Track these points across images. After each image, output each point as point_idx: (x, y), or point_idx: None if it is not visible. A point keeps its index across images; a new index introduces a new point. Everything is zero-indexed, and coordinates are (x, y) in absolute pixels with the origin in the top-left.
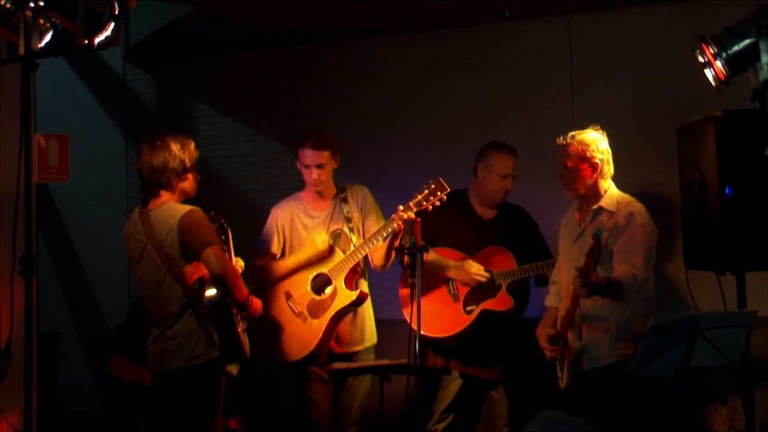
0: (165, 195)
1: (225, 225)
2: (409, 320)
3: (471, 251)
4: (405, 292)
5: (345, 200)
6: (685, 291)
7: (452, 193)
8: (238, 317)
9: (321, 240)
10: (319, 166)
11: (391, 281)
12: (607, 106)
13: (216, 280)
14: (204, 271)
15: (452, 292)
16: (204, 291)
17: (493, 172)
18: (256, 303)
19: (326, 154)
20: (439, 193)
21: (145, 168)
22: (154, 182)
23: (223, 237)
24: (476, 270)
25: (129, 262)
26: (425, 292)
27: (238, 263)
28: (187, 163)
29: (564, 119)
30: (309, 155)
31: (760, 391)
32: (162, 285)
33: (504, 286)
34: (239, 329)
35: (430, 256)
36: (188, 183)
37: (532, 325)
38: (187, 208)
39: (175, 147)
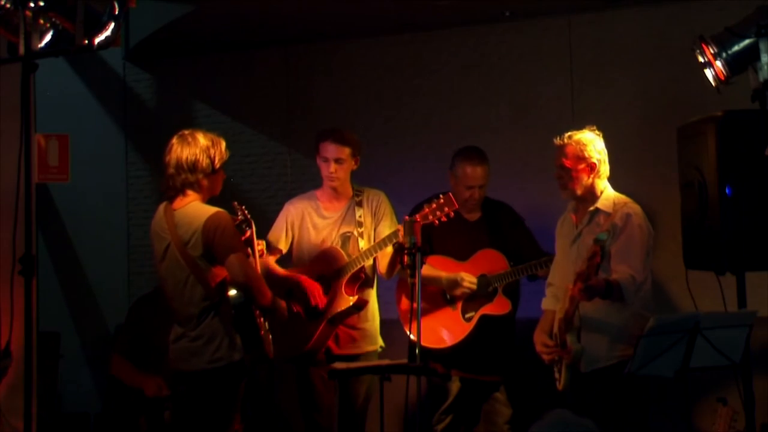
0: (191, 195)
1: (248, 216)
2: (408, 331)
3: (462, 256)
4: (404, 306)
5: (360, 204)
6: (685, 291)
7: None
8: (261, 318)
9: None
10: (338, 161)
11: (392, 281)
12: (607, 106)
13: (239, 287)
14: (226, 274)
15: (449, 300)
16: (227, 293)
17: (460, 183)
18: (282, 305)
19: (347, 150)
20: (446, 209)
21: (173, 164)
22: (181, 181)
23: (245, 226)
24: (468, 282)
25: (128, 263)
26: (422, 304)
27: (261, 246)
28: (217, 164)
29: (564, 119)
30: (330, 149)
31: (760, 391)
32: (185, 285)
33: (500, 289)
34: (262, 331)
35: (424, 270)
36: (215, 182)
37: (530, 326)
38: (213, 210)
39: (206, 146)
